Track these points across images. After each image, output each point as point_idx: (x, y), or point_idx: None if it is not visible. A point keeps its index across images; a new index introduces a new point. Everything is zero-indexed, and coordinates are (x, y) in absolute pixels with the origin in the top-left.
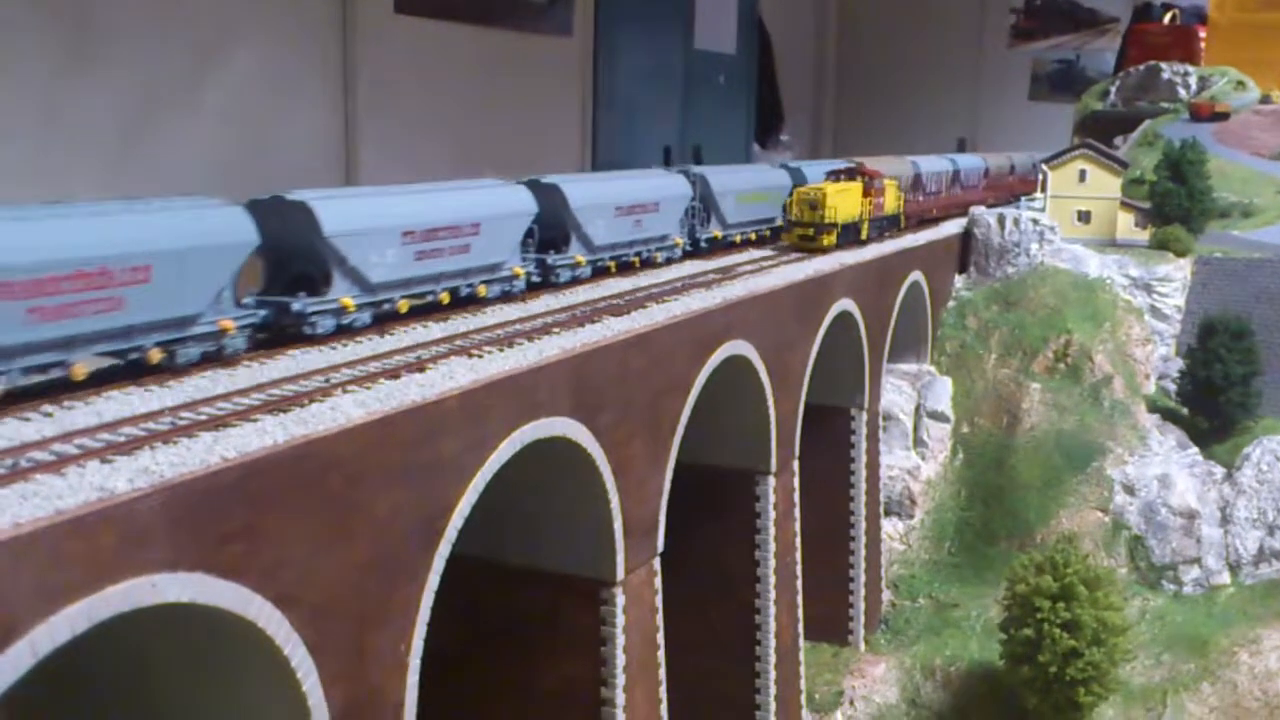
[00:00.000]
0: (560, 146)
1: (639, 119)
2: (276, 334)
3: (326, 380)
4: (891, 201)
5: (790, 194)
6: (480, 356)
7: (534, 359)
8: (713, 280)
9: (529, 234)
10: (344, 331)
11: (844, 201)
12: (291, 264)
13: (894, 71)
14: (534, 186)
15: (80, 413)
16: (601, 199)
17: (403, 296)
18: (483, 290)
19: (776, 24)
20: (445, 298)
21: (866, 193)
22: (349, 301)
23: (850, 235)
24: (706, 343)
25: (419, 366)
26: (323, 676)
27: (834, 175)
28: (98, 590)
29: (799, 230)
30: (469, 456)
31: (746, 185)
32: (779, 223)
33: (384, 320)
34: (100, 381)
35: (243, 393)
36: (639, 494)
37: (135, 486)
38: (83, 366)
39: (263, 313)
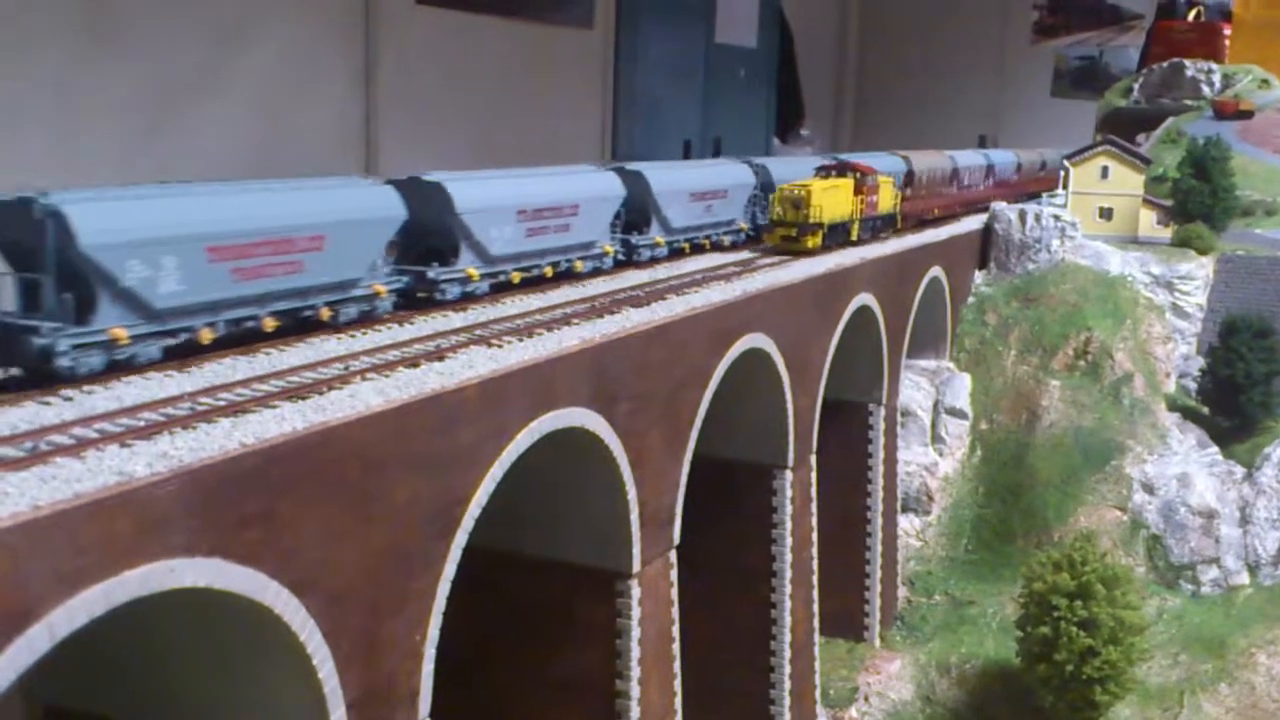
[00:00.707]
0: (580, 138)
1: (659, 112)
2: (411, 299)
3: (346, 368)
4: (886, 200)
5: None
6: (500, 346)
7: (553, 349)
8: (732, 273)
9: (616, 216)
10: (368, 320)
11: (831, 200)
12: (425, 238)
13: (915, 67)
14: (621, 173)
15: (100, 397)
16: (679, 185)
17: (515, 269)
18: (579, 265)
19: (798, 18)
20: (549, 271)
21: (858, 190)
22: (473, 271)
23: (839, 236)
24: (725, 335)
25: (438, 355)
26: (338, 663)
27: (823, 172)
28: (115, 574)
29: (781, 230)
30: (487, 446)
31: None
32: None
33: (500, 290)
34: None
35: (262, 379)
36: (656, 486)
37: (154, 471)
38: (271, 320)
39: (405, 279)
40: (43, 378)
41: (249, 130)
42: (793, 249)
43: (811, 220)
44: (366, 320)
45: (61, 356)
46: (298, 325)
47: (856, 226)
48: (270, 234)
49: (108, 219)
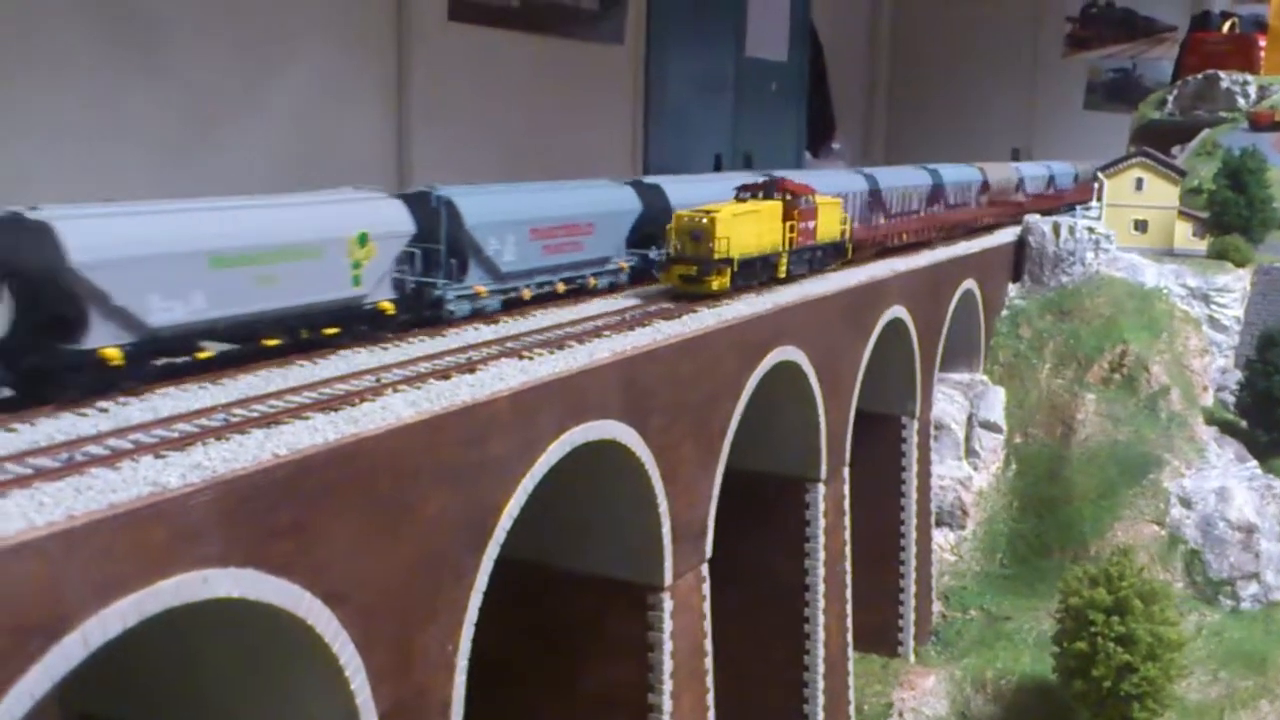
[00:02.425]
0: (611, 153)
1: (690, 126)
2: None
3: (378, 380)
4: (829, 226)
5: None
6: (530, 358)
7: (584, 361)
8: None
9: (633, 230)
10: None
11: (745, 229)
12: (647, 227)
13: (947, 79)
14: (638, 187)
15: (135, 408)
16: (697, 199)
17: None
18: (593, 282)
19: (829, 31)
20: (560, 287)
21: (788, 215)
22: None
23: (759, 273)
24: (757, 348)
25: (469, 367)
26: (370, 675)
27: (744, 192)
28: (149, 584)
29: (679, 269)
30: (518, 458)
31: (541, 213)
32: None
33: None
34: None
35: (294, 390)
36: (688, 499)
37: (188, 481)
38: (562, 285)
39: (635, 260)
40: (435, 320)
41: (283, 147)
42: (692, 291)
43: (716, 255)
44: (614, 289)
45: (449, 304)
46: (574, 291)
47: (785, 260)
48: (565, 220)
49: (479, 208)
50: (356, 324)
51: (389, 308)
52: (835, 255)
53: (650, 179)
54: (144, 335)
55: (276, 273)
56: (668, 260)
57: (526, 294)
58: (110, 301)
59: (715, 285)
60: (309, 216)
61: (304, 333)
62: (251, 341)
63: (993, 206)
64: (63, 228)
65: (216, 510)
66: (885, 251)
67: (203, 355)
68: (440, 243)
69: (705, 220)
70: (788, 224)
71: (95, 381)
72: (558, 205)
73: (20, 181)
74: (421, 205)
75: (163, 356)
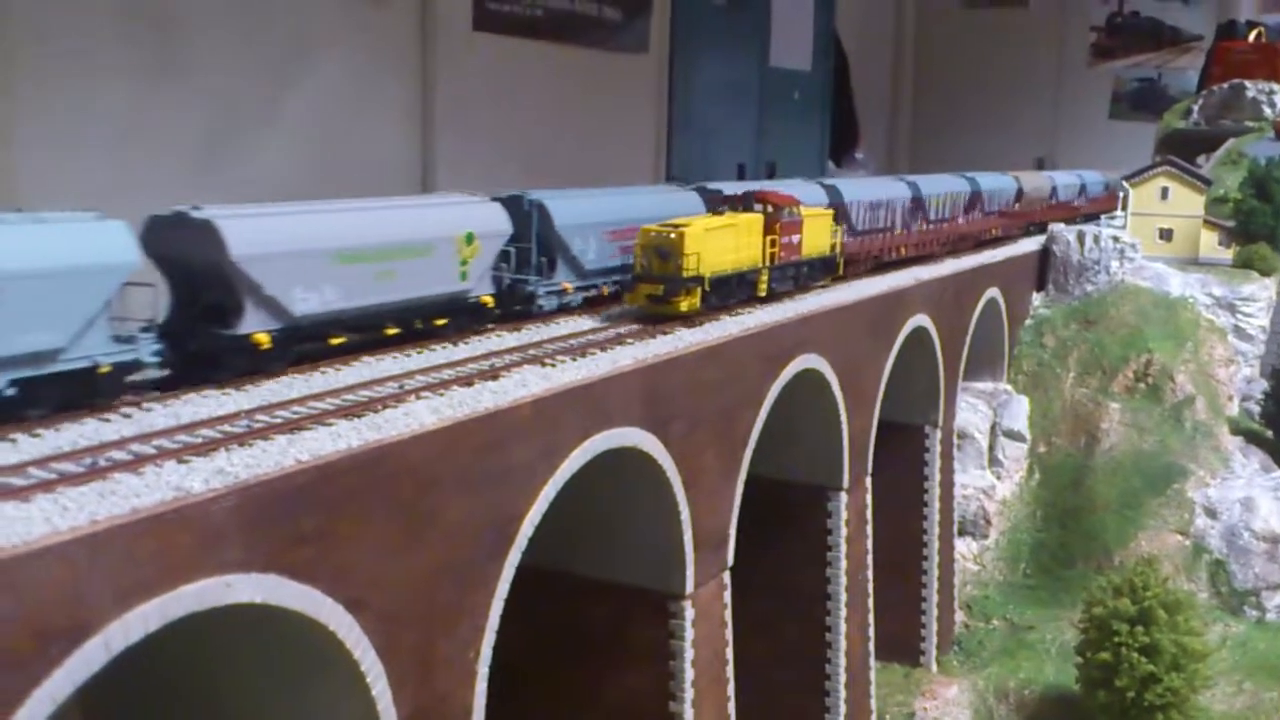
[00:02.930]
0: (635, 162)
1: (713, 136)
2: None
3: (400, 386)
4: (817, 239)
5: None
6: (553, 365)
7: (606, 369)
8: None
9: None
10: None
11: (718, 244)
12: None
13: (972, 89)
14: (701, 192)
15: (159, 415)
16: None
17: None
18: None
19: (853, 41)
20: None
21: (769, 229)
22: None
23: (736, 291)
24: (779, 356)
25: (492, 374)
26: (392, 681)
27: (723, 205)
28: (172, 589)
29: (645, 288)
30: (540, 465)
31: (620, 215)
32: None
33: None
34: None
35: (317, 397)
36: (709, 507)
37: (211, 487)
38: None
39: None
40: (526, 314)
41: (308, 155)
42: (659, 313)
43: (686, 273)
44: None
45: (540, 299)
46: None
47: (766, 276)
48: (639, 222)
49: (566, 211)
50: (461, 315)
51: (489, 301)
52: (825, 270)
53: (713, 184)
54: (288, 323)
55: (395, 268)
56: (633, 279)
57: (605, 290)
58: (262, 291)
59: (684, 306)
60: (423, 218)
61: (417, 323)
62: (373, 331)
63: (988, 219)
64: (224, 225)
65: (239, 516)
66: (883, 266)
67: (335, 341)
68: (531, 242)
69: (672, 235)
70: (769, 238)
71: (248, 364)
72: (632, 208)
73: (45, 188)
74: (515, 208)
75: (302, 343)
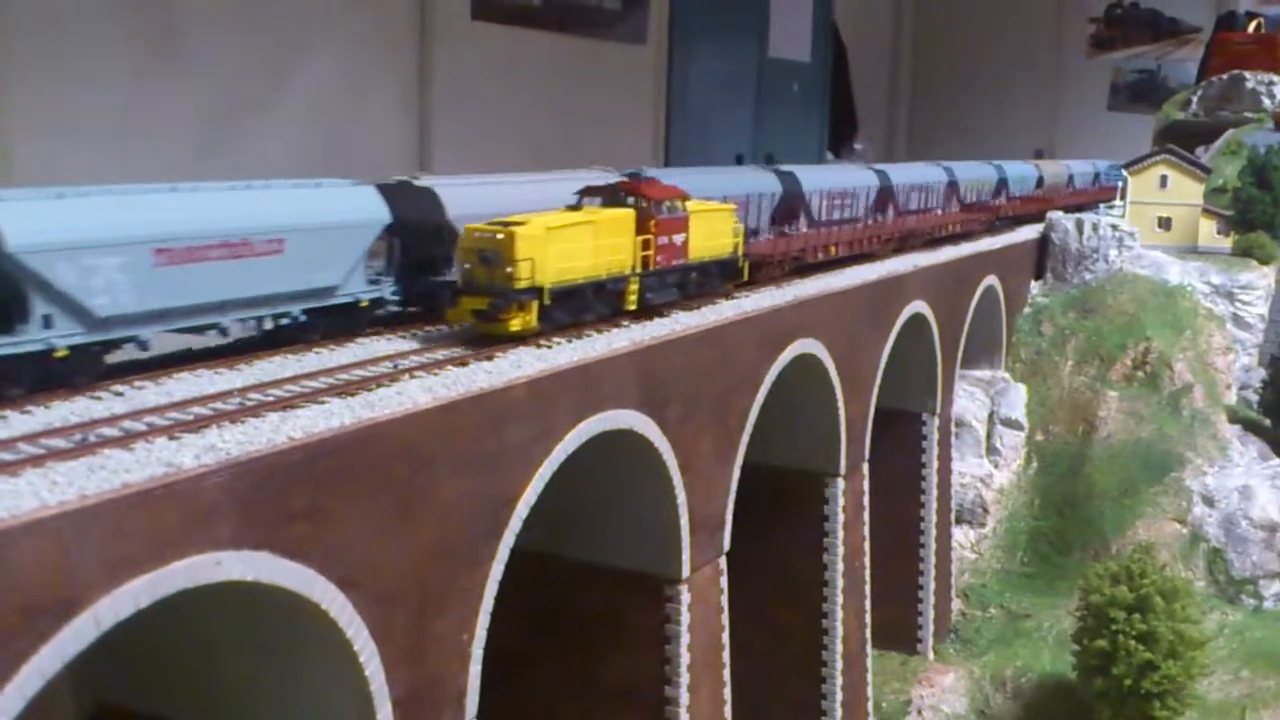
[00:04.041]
0: (633, 152)
1: (711, 126)
2: None
3: (394, 366)
4: (712, 239)
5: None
6: (549, 347)
7: (602, 351)
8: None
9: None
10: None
11: (565, 246)
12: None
13: (970, 80)
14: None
15: (150, 392)
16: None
17: None
18: None
19: (852, 32)
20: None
21: (643, 227)
22: None
23: (593, 304)
24: (777, 340)
25: (487, 355)
26: (385, 661)
27: (588, 197)
28: (162, 565)
29: (469, 302)
30: (535, 446)
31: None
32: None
33: None
34: None
35: (310, 375)
36: (706, 491)
37: (201, 463)
38: None
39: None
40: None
41: (308, 142)
42: (488, 332)
43: (517, 283)
44: None
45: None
46: None
47: (637, 286)
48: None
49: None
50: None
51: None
52: (725, 275)
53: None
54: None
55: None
56: (454, 291)
57: None
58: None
59: (514, 325)
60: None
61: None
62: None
63: (966, 211)
64: (443, 192)
65: (230, 492)
66: (805, 269)
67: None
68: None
69: (500, 236)
70: (641, 238)
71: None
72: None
73: (49, 175)
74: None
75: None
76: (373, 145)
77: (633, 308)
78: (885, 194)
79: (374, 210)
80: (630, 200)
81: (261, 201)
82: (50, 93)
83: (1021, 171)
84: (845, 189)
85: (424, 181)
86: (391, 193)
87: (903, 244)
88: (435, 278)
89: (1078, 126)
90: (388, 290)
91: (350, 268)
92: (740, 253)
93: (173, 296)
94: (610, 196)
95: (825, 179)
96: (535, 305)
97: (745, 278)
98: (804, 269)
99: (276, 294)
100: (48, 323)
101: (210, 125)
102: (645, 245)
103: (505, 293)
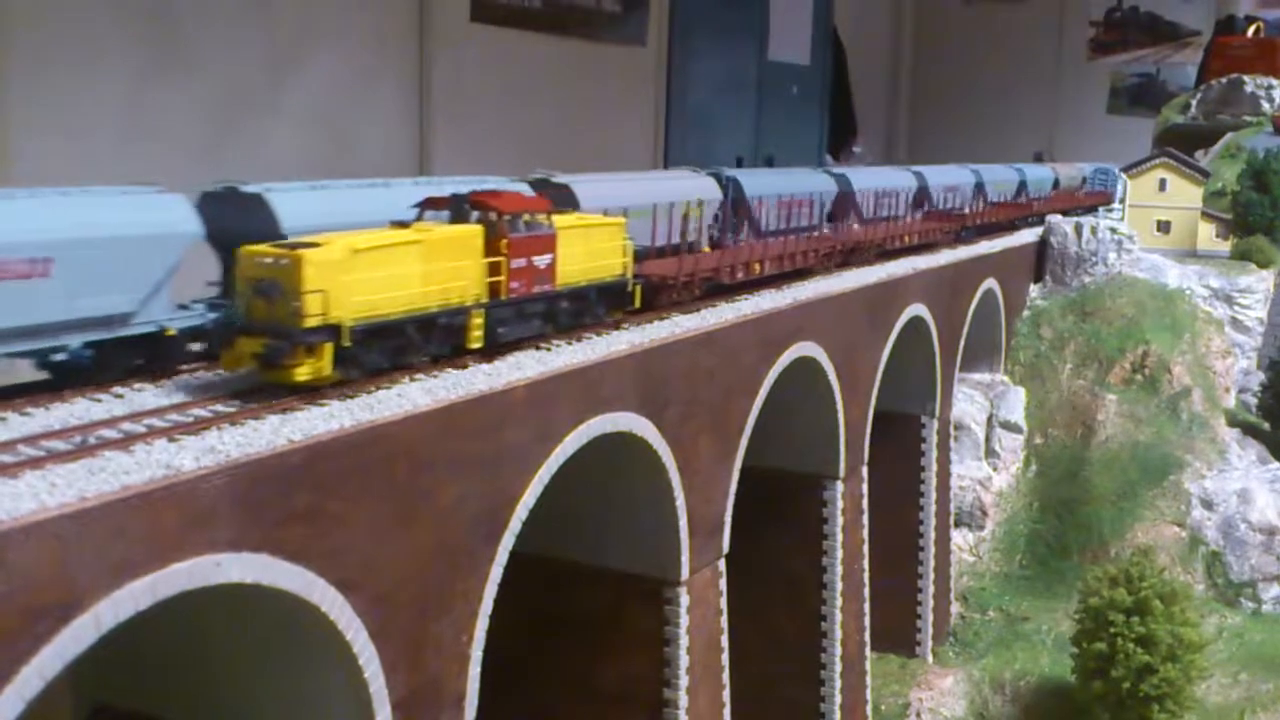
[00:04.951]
0: (632, 154)
1: (711, 128)
2: None
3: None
4: (591, 260)
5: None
6: (548, 349)
7: (601, 353)
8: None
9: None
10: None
11: (378, 274)
12: None
13: (970, 83)
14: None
15: (150, 394)
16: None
17: None
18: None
19: (852, 35)
20: None
21: (492, 248)
22: None
23: (418, 345)
24: (776, 343)
25: (487, 357)
26: (384, 664)
27: (429, 210)
28: (162, 567)
29: (247, 343)
30: (534, 448)
31: (784, 189)
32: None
33: None
34: None
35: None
36: (705, 493)
37: (201, 465)
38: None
39: None
40: None
41: (308, 144)
42: (272, 381)
43: (305, 321)
44: None
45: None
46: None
47: (483, 320)
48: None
49: (751, 183)
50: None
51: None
52: (611, 304)
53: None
54: None
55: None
56: (228, 329)
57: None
58: None
59: (302, 374)
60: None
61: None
62: None
63: (927, 219)
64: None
65: (230, 494)
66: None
67: None
68: (728, 207)
69: (284, 262)
70: (490, 260)
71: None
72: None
73: (48, 176)
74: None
75: None
76: (373, 146)
77: (477, 346)
78: (844, 200)
79: (178, 222)
80: (477, 215)
81: (21, 214)
82: (50, 92)
83: (1002, 176)
84: (797, 195)
85: (253, 188)
86: (209, 202)
87: (849, 258)
88: None
89: (1077, 130)
90: (206, 317)
91: (149, 291)
92: (629, 274)
93: None
94: (455, 210)
95: (773, 183)
96: (329, 348)
97: (637, 304)
98: (728, 289)
99: (44, 325)
100: None
101: (210, 127)
102: (495, 270)
103: (291, 333)
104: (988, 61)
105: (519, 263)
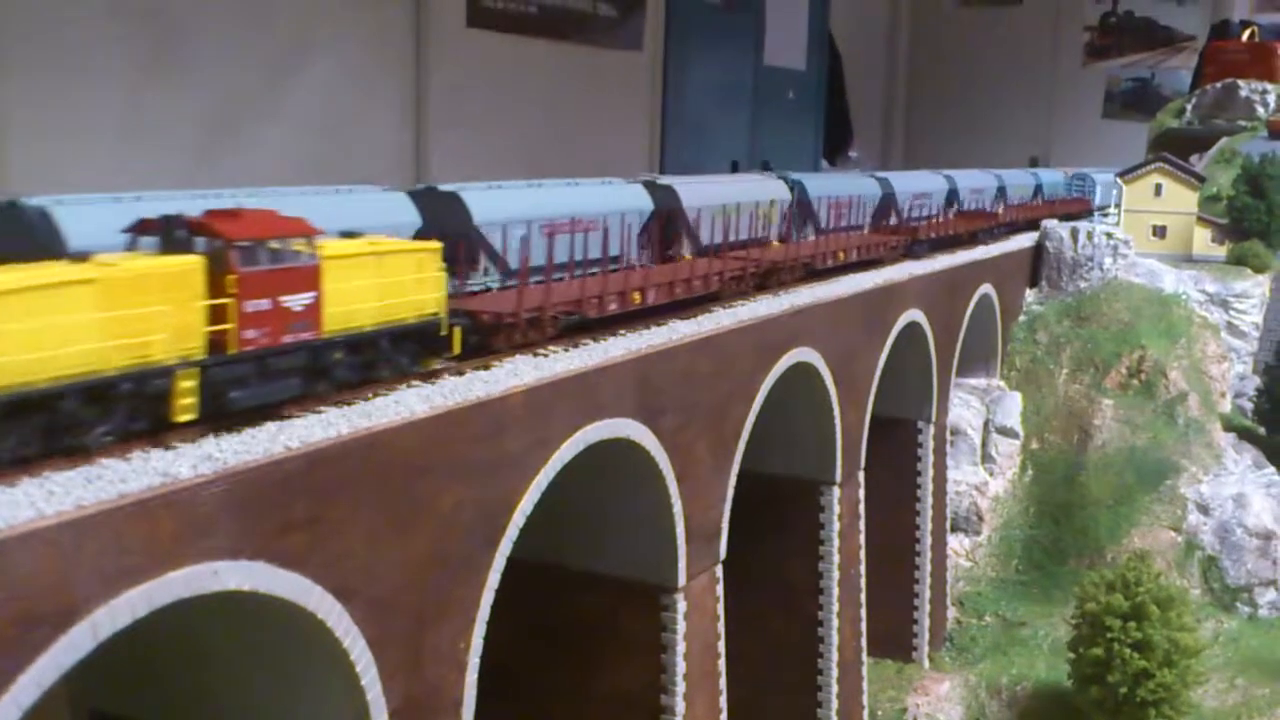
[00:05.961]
0: (629, 159)
1: (707, 133)
2: None
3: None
4: (379, 295)
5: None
6: (545, 355)
7: (599, 359)
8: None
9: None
10: None
11: (16, 328)
12: None
13: (966, 89)
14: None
15: None
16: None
17: None
18: None
19: (847, 40)
20: None
21: (219, 285)
22: None
23: (97, 419)
24: (772, 349)
25: (484, 364)
26: (382, 671)
27: (149, 234)
28: (159, 575)
29: None
30: (532, 455)
31: (827, 192)
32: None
33: None
34: None
35: None
36: (702, 499)
37: (199, 473)
38: None
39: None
40: None
41: (305, 149)
42: None
43: None
44: None
45: None
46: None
47: (196, 382)
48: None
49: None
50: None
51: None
52: (419, 350)
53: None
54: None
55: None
56: None
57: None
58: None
59: None
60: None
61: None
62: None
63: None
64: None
65: (227, 502)
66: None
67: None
68: (794, 207)
69: None
70: (214, 303)
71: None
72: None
73: (46, 181)
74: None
75: None
76: (370, 151)
77: (189, 418)
78: (803, 208)
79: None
80: (200, 242)
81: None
82: (48, 96)
83: (979, 182)
84: (850, 196)
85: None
86: None
87: (767, 279)
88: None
89: (1073, 135)
90: None
91: None
92: (443, 314)
93: None
94: (165, 236)
95: (831, 186)
96: None
97: (457, 350)
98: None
99: None
100: None
101: (208, 132)
102: (220, 315)
103: None
104: (984, 66)
105: (258, 304)
